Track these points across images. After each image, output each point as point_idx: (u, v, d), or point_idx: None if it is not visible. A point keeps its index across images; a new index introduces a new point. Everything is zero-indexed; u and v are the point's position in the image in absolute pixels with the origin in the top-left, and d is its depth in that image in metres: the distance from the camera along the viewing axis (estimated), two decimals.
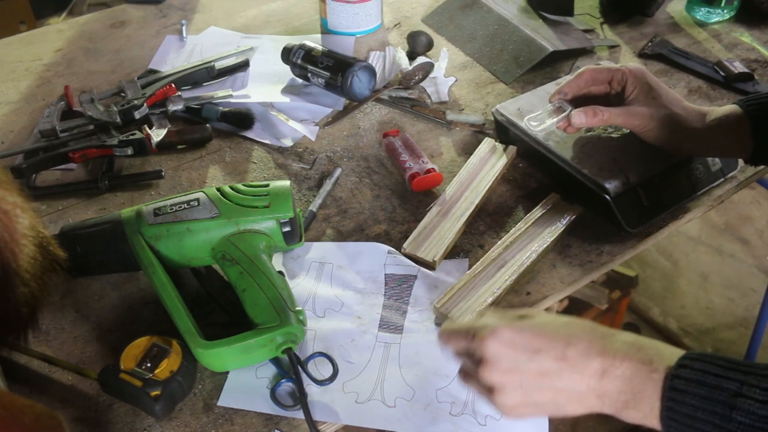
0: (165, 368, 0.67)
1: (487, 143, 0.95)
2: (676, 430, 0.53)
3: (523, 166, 0.94)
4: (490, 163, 0.92)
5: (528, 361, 0.57)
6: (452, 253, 0.83)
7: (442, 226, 0.84)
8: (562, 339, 0.57)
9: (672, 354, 0.55)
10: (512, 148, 0.93)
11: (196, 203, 0.75)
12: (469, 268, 0.79)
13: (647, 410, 0.55)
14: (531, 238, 0.81)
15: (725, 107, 0.81)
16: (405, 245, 0.82)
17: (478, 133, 1.00)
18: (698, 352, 0.55)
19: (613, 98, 0.85)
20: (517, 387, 0.58)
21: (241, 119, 1.01)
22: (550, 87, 1.01)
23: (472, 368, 0.61)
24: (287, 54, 1.09)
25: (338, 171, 0.93)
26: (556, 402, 0.58)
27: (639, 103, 0.82)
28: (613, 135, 0.89)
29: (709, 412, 0.51)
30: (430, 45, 1.16)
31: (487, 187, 0.88)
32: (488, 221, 0.87)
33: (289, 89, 1.09)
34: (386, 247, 0.83)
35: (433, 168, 0.90)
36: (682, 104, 0.82)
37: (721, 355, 0.54)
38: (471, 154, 0.94)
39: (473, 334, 0.60)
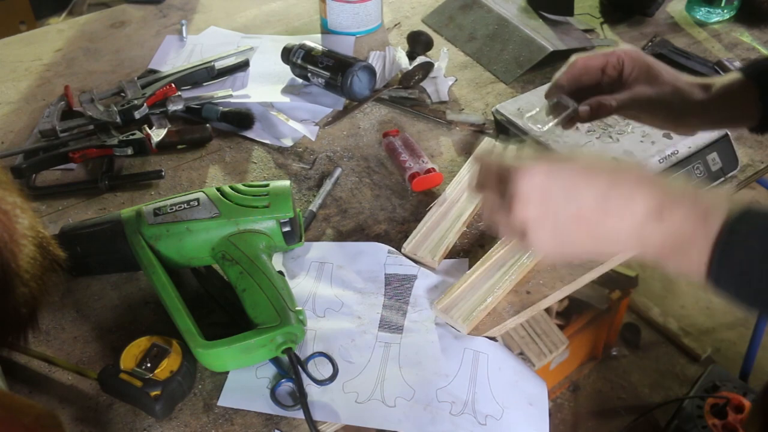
0: (165, 368, 0.67)
1: (487, 143, 0.95)
2: (725, 282, 0.51)
3: None
4: None
5: (565, 202, 0.53)
6: (452, 253, 0.83)
7: (442, 226, 0.84)
8: (606, 179, 0.53)
9: (730, 205, 0.51)
10: (512, 148, 0.93)
11: (196, 203, 0.75)
12: (469, 268, 0.79)
13: (694, 259, 0.51)
14: None
15: (728, 76, 0.78)
16: (405, 245, 0.82)
17: (478, 132, 1.00)
18: (759, 208, 0.52)
19: (608, 86, 0.79)
20: (551, 227, 0.54)
21: (241, 119, 1.01)
22: None
23: (503, 205, 0.56)
24: (287, 54, 1.09)
25: (338, 171, 0.93)
26: (594, 245, 0.55)
27: (641, 84, 0.77)
28: (613, 134, 0.89)
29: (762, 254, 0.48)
30: (430, 45, 1.16)
31: None
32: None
33: (289, 89, 1.09)
34: (386, 247, 0.83)
35: (433, 168, 0.90)
36: (684, 79, 0.78)
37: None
38: (471, 153, 0.94)
39: (508, 169, 0.56)
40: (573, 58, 0.79)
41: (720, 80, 0.77)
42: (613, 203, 0.53)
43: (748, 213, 0.51)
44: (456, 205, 0.86)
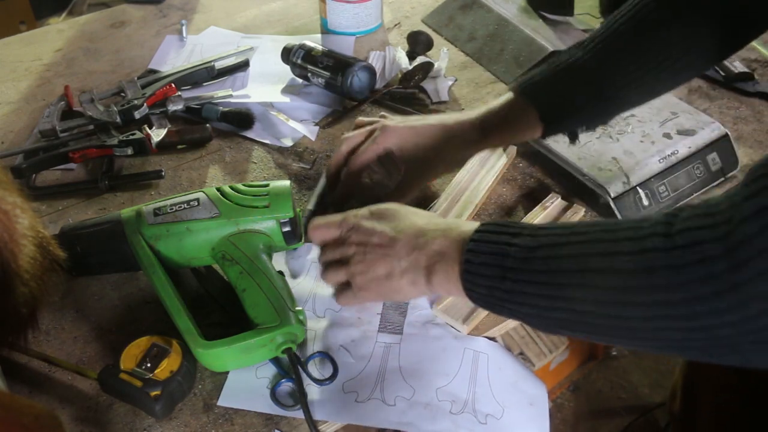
0: (165, 368, 0.67)
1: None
2: (472, 281, 0.59)
3: (522, 166, 0.94)
4: (490, 162, 0.92)
5: (372, 235, 0.66)
6: None
7: None
8: (403, 219, 0.67)
9: (473, 225, 0.62)
10: (512, 148, 0.93)
11: (196, 203, 0.75)
12: None
13: (450, 271, 0.61)
14: None
15: (500, 102, 0.79)
16: None
17: None
18: (494, 221, 0.62)
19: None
20: (361, 257, 0.67)
21: (241, 119, 1.01)
22: None
23: (333, 250, 0.70)
24: (287, 54, 1.09)
25: None
26: (388, 273, 0.65)
27: (412, 173, 0.81)
28: (613, 134, 0.89)
29: (493, 256, 0.57)
30: (430, 45, 1.16)
31: (487, 187, 0.88)
32: (488, 221, 0.86)
33: (289, 89, 1.09)
34: None
35: None
36: (451, 124, 0.79)
37: (513, 221, 0.62)
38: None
39: (342, 219, 0.69)
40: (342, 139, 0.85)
41: (492, 108, 0.79)
42: (403, 231, 0.66)
43: (484, 223, 0.61)
44: (456, 205, 0.86)
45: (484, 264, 0.58)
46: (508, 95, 0.79)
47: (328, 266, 0.71)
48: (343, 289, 0.71)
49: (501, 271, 0.57)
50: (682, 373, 1.01)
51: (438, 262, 0.62)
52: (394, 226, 0.66)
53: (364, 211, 0.69)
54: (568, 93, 0.77)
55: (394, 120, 0.83)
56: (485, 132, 0.79)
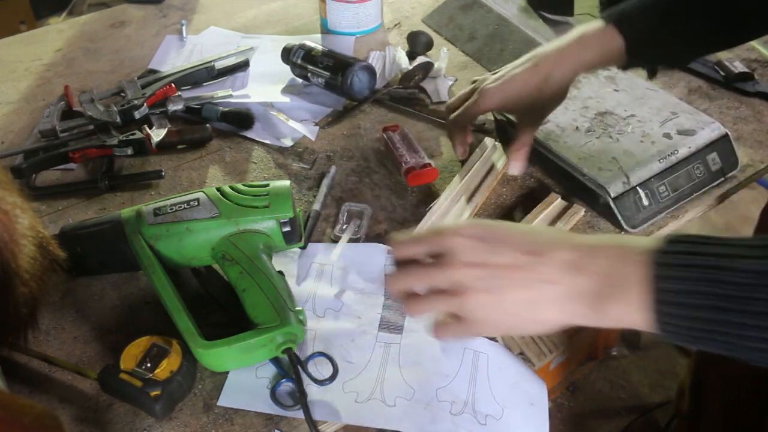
0: (165, 368, 0.67)
1: (488, 143, 0.95)
2: (669, 311, 0.48)
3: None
4: (490, 162, 0.92)
5: (494, 254, 0.52)
6: None
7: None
8: (530, 234, 0.54)
9: (649, 240, 0.50)
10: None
11: (196, 203, 0.75)
12: None
13: (633, 299, 0.49)
14: None
15: (588, 30, 0.82)
16: None
17: (478, 132, 1.00)
18: (679, 233, 0.50)
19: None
20: (484, 283, 0.52)
21: (241, 119, 1.01)
22: None
23: (431, 275, 0.54)
24: (287, 54, 1.09)
25: (333, 169, 0.93)
26: (530, 301, 0.52)
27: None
28: (613, 134, 0.89)
29: (703, 283, 0.46)
30: (430, 45, 1.16)
31: (488, 187, 0.88)
32: None
33: (289, 89, 1.09)
34: (386, 247, 0.83)
35: (429, 163, 0.90)
36: (542, 70, 0.82)
37: (704, 235, 0.49)
38: (471, 153, 0.94)
39: (433, 234, 0.55)
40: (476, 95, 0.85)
41: (583, 36, 0.82)
42: (540, 253, 0.52)
43: (671, 238, 0.50)
44: (456, 205, 0.86)
45: (690, 292, 0.47)
46: (597, 23, 0.81)
47: (411, 295, 0.57)
48: (447, 322, 0.58)
49: (717, 300, 0.46)
50: (690, 372, 1.01)
51: (613, 286, 0.50)
52: (525, 241, 0.53)
53: (464, 225, 0.56)
54: (656, 27, 0.79)
55: (489, 80, 0.85)
56: (574, 63, 0.81)
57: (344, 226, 0.85)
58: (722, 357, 0.47)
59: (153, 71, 1.12)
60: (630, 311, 0.49)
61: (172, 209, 0.75)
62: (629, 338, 1.86)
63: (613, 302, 0.50)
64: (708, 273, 0.46)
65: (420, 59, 1.11)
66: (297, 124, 1.01)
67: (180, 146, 0.99)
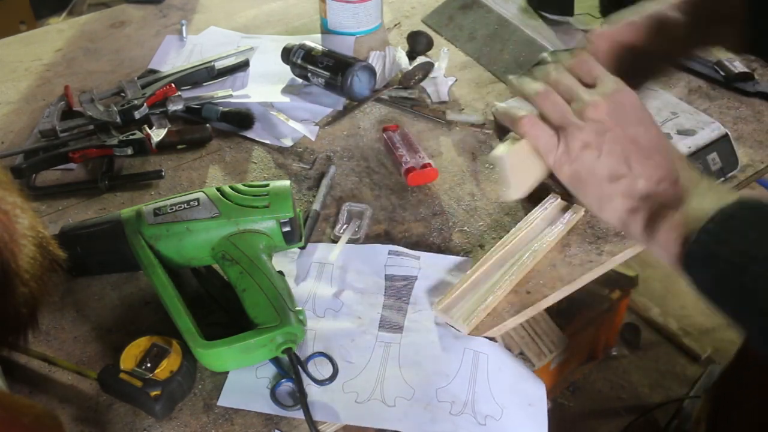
0: (165, 368, 0.67)
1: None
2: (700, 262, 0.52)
3: None
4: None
5: (636, 123, 0.58)
6: (452, 253, 0.83)
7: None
8: (655, 142, 0.59)
9: (708, 210, 0.53)
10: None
11: (196, 203, 0.75)
12: (469, 268, 0.79)
13: (675, 233, 0.54)
14: (531, 238, 0.81)
15: None
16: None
17: (478, 132, 1.00)
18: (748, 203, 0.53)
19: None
20: (601, 136, 0.58)
21: (241, 119, 1.01)
22: None
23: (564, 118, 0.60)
24: (287, 54, 1.09)
25: (332, 169, 0.93)
26: (614, 179, 0.58)
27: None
28: None
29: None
30: (430, 45, 1.16)
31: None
32: (488, 221, 0.87)
33: (289, 89, 1.09)
34: (386, 247, 0.83)
35: (429, 163, 0.91)
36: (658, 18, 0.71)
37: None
38: (471, 153, 0.94)
39: (602, 74, 0.61)
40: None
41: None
42: (647, 161, 0.58)
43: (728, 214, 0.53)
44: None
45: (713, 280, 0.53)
46: None
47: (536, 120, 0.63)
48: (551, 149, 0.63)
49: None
50: (708, 401, 1.01)
51: (674, 215, 0.55)
52: (651, 131, 0.58)
53: (609, 85, 0.60)
54: None
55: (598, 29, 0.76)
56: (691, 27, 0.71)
57: (344, 226, 0.85)
58: (740, 389, 0.48)
59: (153, 71, 1.12)
60: (668, 244, 0.55)
61: (172, 209, 0.75)
62: (629, 338, 1.86)
63: (664, 224, 0.56)
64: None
65: (420, 59, 1.11)
66: (297, 124, 1.01)
67: (180, 146, 0.99)
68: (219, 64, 1.11)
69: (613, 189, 0.59)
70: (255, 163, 0.97)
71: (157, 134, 0.95)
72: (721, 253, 0.50)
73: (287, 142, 0.99)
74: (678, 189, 0.58)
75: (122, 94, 1.05)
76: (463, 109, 1.05)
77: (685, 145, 0.88)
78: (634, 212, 0.59)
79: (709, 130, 0.89)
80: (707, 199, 0.55)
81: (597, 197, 0.61)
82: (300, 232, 0.79)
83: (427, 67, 1.08)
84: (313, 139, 1.00)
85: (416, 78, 1.07)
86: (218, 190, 0.77)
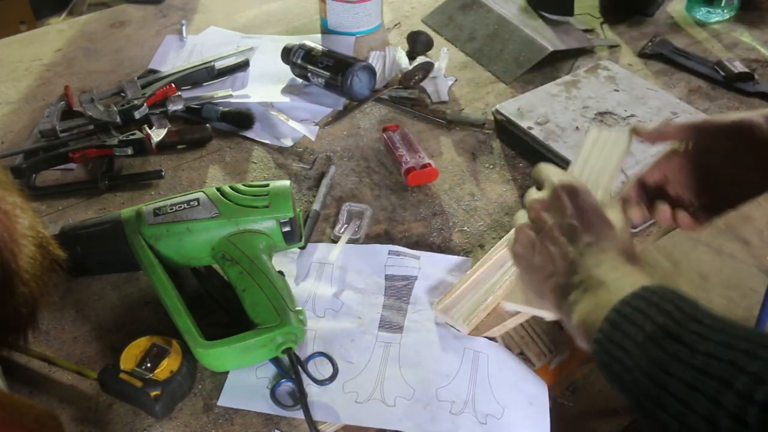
0: (165, 368, 0.67)
1: (596, 130, 0.76)
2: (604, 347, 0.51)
3: (523, 165, 0.94)
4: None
5: (558, 241, 0.59)
6: (452, 252, 0.83)
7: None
8: (602, 239, 0.58)
9: (624, 294, 0.52)
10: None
11: (196, 203, 0.75)
12: (469, 268, 0.79)
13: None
14: None
15: None
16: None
17: (478, 132, 1.00)
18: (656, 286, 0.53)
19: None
20: (536, 240, 0.61)
21: (241, 119, 1.01)
22: (550, 87, 1.01)
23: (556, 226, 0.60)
24: (287, 54, 1.09)
25: (332, 169, 0.93)
26: (543, 270, 0.60)
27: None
28: None
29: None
30: (430, 45, 1.16)
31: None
32: (488, 221, 0.87)
33: (289, 89, 1.09)
34: (386, 247, 0.83)
35: (429, 163, 0.91)
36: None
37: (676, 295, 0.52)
38: (471, 153, 0.94)
39: (551, 196, 0.61)
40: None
41: None
42: (585, 259, 0.58)
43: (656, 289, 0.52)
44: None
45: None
46: None
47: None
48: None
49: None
50: None
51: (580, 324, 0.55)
52: (583, 242, 0.58)
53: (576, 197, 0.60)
54: None
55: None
56: None
57: (344, 226, 0.85)
58: None
59: (153, 71, 1.12)
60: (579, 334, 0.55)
61: (172, 209, 0.75)
62: None
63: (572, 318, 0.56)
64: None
65: (420, 59, 1.11)
66: (297, 124, 1.01)
67: (180, 146, 0.99)
68: (219, 64, 1.11)
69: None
70: (255, 163, 0.97)
71: (157, 134, 0.95)
72: (607, 361, 0.51)
73: (287, 142, 0.99)
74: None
75: (122, 94, 1.05)
76: (463, 109, 1.05)
77: None
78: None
79: None
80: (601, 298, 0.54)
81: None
82: (300, 232, 0.79)
83: (427, 67, 1.08)
84: (313, 139, 1.00)
85: (416, 78, 1.07)
86: (218, 190, 0.77)
